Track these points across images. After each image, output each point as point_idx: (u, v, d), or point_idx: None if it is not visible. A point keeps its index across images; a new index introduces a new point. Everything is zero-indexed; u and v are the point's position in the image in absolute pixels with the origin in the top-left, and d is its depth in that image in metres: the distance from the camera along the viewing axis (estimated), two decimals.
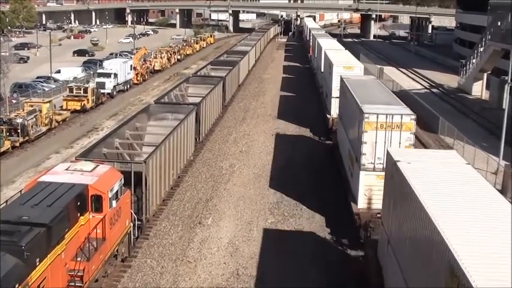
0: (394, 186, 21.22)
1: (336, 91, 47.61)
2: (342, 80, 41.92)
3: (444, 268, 14.13)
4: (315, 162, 44.35)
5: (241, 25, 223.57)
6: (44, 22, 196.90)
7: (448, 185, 18.58)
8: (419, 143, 45.94)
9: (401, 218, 19.75)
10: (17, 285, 17.18)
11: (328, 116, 51.58)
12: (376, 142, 29.37)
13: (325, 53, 63.91)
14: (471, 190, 18.17)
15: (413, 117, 29.60)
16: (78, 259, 21.28)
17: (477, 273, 12.60)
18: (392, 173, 21.54)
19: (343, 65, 51.06)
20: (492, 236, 14.74)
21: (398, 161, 20.86)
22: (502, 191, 38.13)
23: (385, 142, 29.13)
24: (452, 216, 15.80)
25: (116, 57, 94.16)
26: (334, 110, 48.17)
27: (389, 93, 37.52)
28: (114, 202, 23.70)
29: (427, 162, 21.20)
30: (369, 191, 29.40)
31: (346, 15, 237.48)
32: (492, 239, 14.53)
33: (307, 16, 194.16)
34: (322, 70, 65.48)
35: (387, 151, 23.88)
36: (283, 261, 27.65)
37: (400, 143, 29.11)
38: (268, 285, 25.38)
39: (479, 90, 76.67)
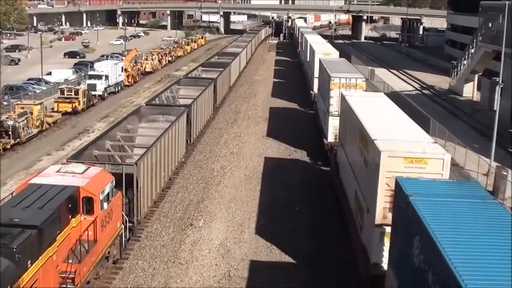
0: (345, 114, 33.50)
1: (316, 72, 60.84)
2: (320, 61, 56.25)
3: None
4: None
5: (232, 27, 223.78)
6: (35, 24, 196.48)
7: (371, 105, 31.69)
8: None
9: (347, 134, 31.82)
10: (8, 287, 17.15)
11: (311, 92, 66.77)
12: (339, 97, 38.92)
13: (310, 45, 77.76)
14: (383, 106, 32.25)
15: (364, 79, 46.20)
16: (70, 261, 21.24)
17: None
18: (344, 105, 34.06)
19: (323, 52, 65.91)
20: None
21: (346, 95, 34.49)
22: (494, 193, 38.36)
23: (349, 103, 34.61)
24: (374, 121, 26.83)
25: (107, 59, 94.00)
26: (316, 87, 61.60)
27: (352, 67, 54.33)
28: (105, 204, 23.68)
29: (364, 96, 37.19)
30: (334, 129, 41.85)
31: (343, 16, 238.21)
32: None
33: (298, 18, 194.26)
34: (308, 60, 79.68)
35: (341, 94, 36.77)
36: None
37: None
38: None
39: (470, 91, 77.00)
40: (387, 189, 21.64)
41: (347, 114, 32.55)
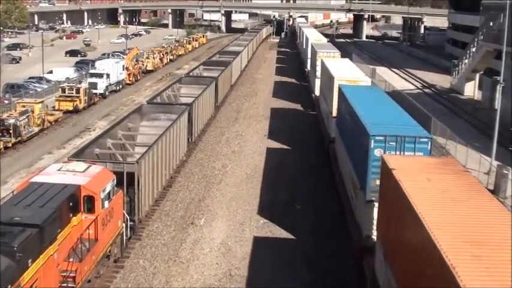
0: (324, 75, 51.26)
1: (309, 54, 79.84)
2: (311, 45, 76.81)
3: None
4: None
5: (233, 25, 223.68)
6: (36, 22, 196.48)
7: (338, 64, 51.62)
8: None
9: (324, 88, 51.27)
10: (9, 286, 17.14)
11: (305, 69, 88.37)
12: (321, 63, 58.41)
13: (305, 35, 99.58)
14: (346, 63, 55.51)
15: (338, 52, 67.48)
16: (71, 260, 21.24)
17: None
18: (323, 67, 53.48)
19: (315, 39, 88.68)
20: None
21: (323, 58, 56.82)
22: (495, 191, 38.34)
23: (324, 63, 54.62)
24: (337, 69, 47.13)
25: (108, 58, 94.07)
26: (308, 66, 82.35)
27: (333, 47, 74.63)
28: (106, 203, 23.67)
29: (337, 60, 57.56)
30: (318, 86, 60.88)
31: (350, 15, 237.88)
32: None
33: (299, 16, 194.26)
34: (304, 47, 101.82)
35: (321, 60, 58.25)
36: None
37: None
38: None
39: (471, 90, 76.91)
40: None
41: (325, 73, 51.35)
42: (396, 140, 24.47)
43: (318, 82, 60.89)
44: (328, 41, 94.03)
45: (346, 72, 46.33)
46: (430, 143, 24.86)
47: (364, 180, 25.01)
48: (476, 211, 16.21)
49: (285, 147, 48.87)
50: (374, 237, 23.60)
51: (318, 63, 60.41)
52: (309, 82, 76.72)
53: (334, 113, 40.42)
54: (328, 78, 46.02)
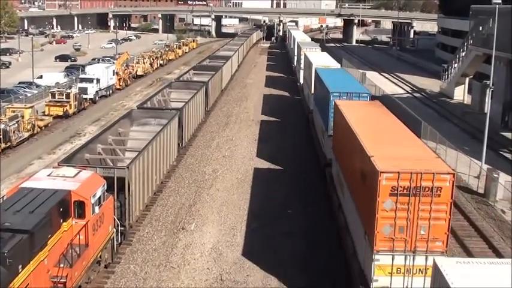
0: (305, 66, 65.95)
1: (295, 51, 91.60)
2: (297, 43, 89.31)
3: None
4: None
5: (223, 30, 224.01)
6: (26, 27, 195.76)
7: (315, 55, 68.04)
8: None
9: (306, 75, 63.85)
10: None
11: (292, 64, 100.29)
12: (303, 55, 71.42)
13: (293, 35, 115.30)
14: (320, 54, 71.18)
15: (319, 48, 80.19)
16: (61, 265, 21.18)
17: None
18: (305, 58, 67.61)
19: (300, 38, 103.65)
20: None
21: (307, 52, 70.04)
22: (485, 195, 38.51)
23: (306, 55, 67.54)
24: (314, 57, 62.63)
25: (98, 63, 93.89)
26: (295, 61, 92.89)
27: (315, 44, 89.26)
28: (97, 208, 23.63)
29: (317, 54, 70.99)
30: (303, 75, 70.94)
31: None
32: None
33: (289, 21, 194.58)
34: (292, 46, 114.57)
35: (304, 54, 71.21)
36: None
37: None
38: None
39: (461, 94, 77.24)
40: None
41: (307, 63, 63.31)
42: (347, 95, 37.60)
43: (302, 72, 73.34)
44: (311, 40, 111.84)
45: (322, 60, 60.20)
46: (369, 97, 38.60)
47: (327, 122, 37.68)
48: (387, 125, 28.53)
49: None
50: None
51: (302, 57, 72.75)
52: (295, 75, 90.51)
53: (313, 91, 53.38)
54: (308, 66, 60.08)
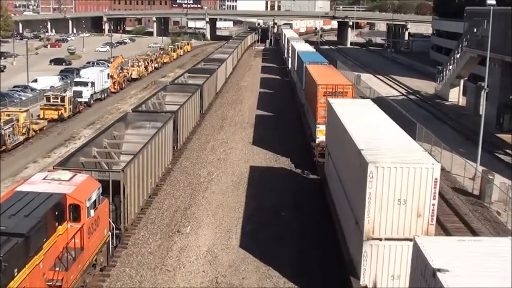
0: (292, 54, 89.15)
1: (286, 46, 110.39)
2: (287, 39, 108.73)
3: None
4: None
5: (218, 33, 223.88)
6: (20, 31, 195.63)
7: (302, 45, 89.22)
8: None
9: (292, 61, 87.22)
10: None
11: (283, 56, 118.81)
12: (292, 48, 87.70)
13: (284, 34, 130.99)
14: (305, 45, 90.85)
15: (303, 41, 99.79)
16: (57, 269, 21.16)
17: None
18: (292, 50, 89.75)
19: (291, 35, 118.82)
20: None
21: (295, 46, 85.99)
22: (480, 197, 38.56)
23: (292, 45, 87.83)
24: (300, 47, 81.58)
25: (93, 66, 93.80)
26: (289, 60, 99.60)
27: (301, 39, 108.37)
28: (92, 211, 23.62)
29: (301, 44, 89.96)
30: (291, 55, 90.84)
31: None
32: None
33: (284, 24, 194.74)
34: (283, 42, 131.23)
35: (292, 46, 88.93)
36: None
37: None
38: None
39: (456, 96, 77.42)
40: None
41: (293, 51, 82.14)
42: (314, 63, 56.05)
43: (290, 60, 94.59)
44: (299, 36, 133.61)
45: (303, 47, 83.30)
46: (327, 63, 58.57)
47: (301, 80, 51.94)
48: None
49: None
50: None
51: (290, 49, 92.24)
52: (286, 64, 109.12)
53: (296, 68, 71.58)
54: (294, 52, 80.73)
